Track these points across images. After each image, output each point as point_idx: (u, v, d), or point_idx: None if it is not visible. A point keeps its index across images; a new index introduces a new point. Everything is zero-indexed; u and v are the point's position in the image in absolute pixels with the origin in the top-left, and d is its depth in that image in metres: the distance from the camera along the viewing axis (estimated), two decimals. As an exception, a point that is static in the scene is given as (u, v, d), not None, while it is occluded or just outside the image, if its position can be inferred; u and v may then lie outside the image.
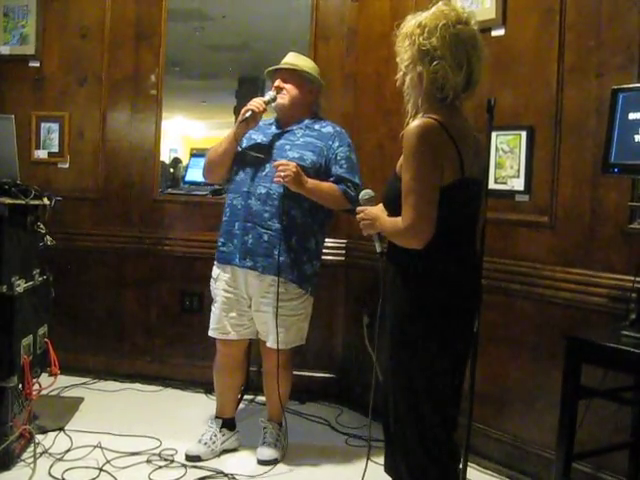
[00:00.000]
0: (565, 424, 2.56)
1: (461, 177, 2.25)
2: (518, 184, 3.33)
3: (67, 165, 4.70)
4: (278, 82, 3.42)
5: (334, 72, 4.37)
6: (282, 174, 3.14)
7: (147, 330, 4.62)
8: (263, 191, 3.30)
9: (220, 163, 3.44)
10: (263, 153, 3.35)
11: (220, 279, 3.45)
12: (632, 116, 2.58)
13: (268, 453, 3.43)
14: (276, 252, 3.26)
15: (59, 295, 3.75)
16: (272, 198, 3.29)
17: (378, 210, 2.43)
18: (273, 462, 3.41)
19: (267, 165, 3.31)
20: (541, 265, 3.24)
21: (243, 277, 3.36)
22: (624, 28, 2.92)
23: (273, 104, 3.41)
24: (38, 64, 4.68)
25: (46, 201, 3.47)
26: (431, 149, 2.18)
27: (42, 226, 3.48)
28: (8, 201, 3.07)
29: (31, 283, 3.31)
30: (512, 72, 3.37)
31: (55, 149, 4.69)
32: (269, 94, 3.40)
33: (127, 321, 4.65)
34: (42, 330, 3.47)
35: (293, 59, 3.48)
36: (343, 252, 4.33)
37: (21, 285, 3.16)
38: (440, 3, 2.30)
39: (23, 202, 3.19)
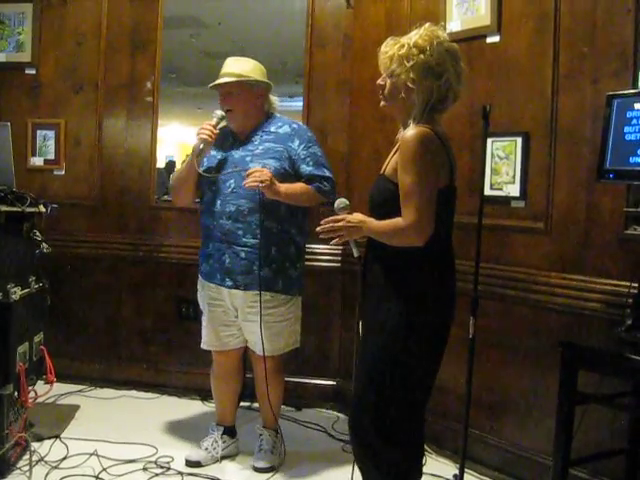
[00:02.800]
0: (562, 430, 2.57)
1: (450, 183, 2.41)
2: (514, 190, 3.34)
3: (63, 172, 4.70)
4: (223, 100, 3.33)
5: (330, 78, 4.39)
6: (258, 178, 3.05)
7: (143, 337, 4.61)
8: (233, 209, 3.25)
9: (184, 189, 3.41)
10: (225, 169, 3.30)
11: (205, 292, 3.44)
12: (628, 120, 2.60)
13: (264, 461, 3.42)
14: (255, 268, 3.23)
15: (55, 302, 3.74)
16: (243, 214, 3.24)
17: (361, 215, 2.48)
18: (270, 470, 3.39)
19: (232, 182, 3.26)
20: (537, 271, 3.25)
21: (227, 291, 3.33)
22: (618, 34, 2.94)
23: (224, 122, 3.34)
24: (34, 71, 4.68)
25: (42, 208, 3.47)
26: (430, 155, 2.32)
27: (38, 233, 3.48)
28: (4, 208, 3.07)
29: (27, 290, 3.31)
30: (507, 79, 3.38)
31: (51, 156, 4.68)
32: (216, 114, 3.31)
33: (123, 328, 4.64)
34: (38, 337, 3.46)
35: (231, 67, 3.34)
36: (339, 259, 4.32)
37: (17, 292, 3.15)
38: (427, 24, 2.43)
39: (19, 209, 3.19)
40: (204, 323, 3.50)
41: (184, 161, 3.53)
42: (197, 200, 3.49)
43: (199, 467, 3.39)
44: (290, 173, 3.29)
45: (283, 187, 3.16)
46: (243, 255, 3.25)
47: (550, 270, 3.19)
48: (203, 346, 3.52)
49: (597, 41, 3.02)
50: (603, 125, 2.70)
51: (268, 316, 3.29)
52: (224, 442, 3.52)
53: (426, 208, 2.28)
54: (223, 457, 3.51)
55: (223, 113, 3.32)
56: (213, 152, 3.38)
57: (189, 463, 3.41)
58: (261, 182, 3.05)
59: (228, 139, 3.41)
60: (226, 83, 3.29)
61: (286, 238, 3.32)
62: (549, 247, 3.21)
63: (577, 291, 3.06)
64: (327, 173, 3.33)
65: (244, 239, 3.24)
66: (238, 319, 3.39)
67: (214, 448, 3.49)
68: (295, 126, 3.41)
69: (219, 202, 3.28)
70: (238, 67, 3.33)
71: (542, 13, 3.23)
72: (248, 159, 3.29)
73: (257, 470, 3.39)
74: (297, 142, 3.33)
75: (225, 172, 3.29)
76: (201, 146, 3.25)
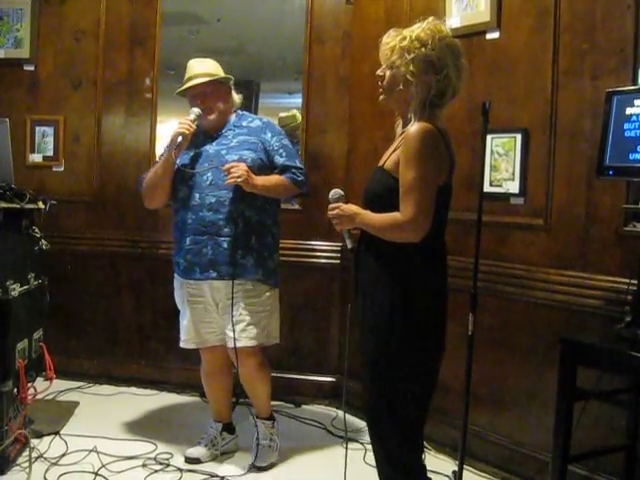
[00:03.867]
0: (561, 426, 2.57)
1: (449, 180, 2.42)
2: (513, 187, 3.34)
3: (62, 169, 4.70)
4: (198, 100, 3.37)
5: (329, 75, 4.39)
6: (235, 175, 3.12)
7: (142, 334, 4.62)
8: (213, 200, 3.27)
9: (161, 188, 3.39)
10: (201, 164, 3.34)
11: (184, 290, 3.43)
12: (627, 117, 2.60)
13: (263, 459, 3.40)
14: (238, 257, 3.26)
15: (54, 299, 3.74)
16: (224, 205, 3.26)
17: (355, 206, 2.49)
18: (270, 467, 3.40)
19: (209, 175, 3.29)
20: (536, 268, 3.25)
21: (208, 285, 3.33)
22: (618, 30, 2.93)
23: (199, 120, 3.36)
24: (33, 68, 4.68)
25: (41, 205, 3.47)
26: (433, 151, 2.32)
27: (37, 230, 3.48)
28: (3, 205, 3.07)
29: (26, 287, 3.31)
30: (507, 75, 3.38)
31: (50, 153, 4.69)
32: (194, 111, 3.35)
33: (122, 325, 4.65)
34: (37, 334, 3.47)
35: (202, 68, 3.41)
36: (338, 255, 4.32)
37: (16, 289, 3.15)
38: (430, 18, 2.42)
39: (18, 206, 3.19)
40: (183, 322, 3.47)
41: (155, 162, 3.57)
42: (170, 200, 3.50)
43: (198, 464, 3.40)
44: (266, 164, 3.36)
45: (260, 180, 3.23)
46: (225, 245, 3.26)
47: (549, 267, 3.20)
48: (182, 344, 3.49)
49: (597, 37, 3.01)
50: (603, 122, 2.69)
51: (250, 306, 3.30)
52: (223, 439, 3.54)
53: (426, 205, 2.28)
54: (222, 453, 3.52)
55: (200, 111, 3.36)
56: (186, 149, 3.38)
57: (188, 460, 3.42)
58: (238, 177, 3.11)
59: (199, 137, 3.41)
60: (201, 83, 3.36)
61: (264, 228, 3.37)
62: (548, 244, 3.21)
63: (576, 288, 3.06)
64: (299, 164, 3.42)
65: (226, 229, 3.26)
66: (218, 315, 3.37)
67: (213, 445, 3.50)
68: (265, 120, 3.53)
69: (197, 195, 3.30)
70: (206, 67, 3.41)
71: (542, 9, 3.23)
72: (224, 152, 3.33)
73: (257, 469, 3.38)
74: (269, 134, 3.42)
75: (203, 168, 3.31)
76: (179, 139, 3.27)
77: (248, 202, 3.27)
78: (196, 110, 3.35)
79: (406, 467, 2.45)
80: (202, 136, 3.43)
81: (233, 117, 3.48)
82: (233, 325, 3.26)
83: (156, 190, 3.42)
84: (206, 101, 3.38)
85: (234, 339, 3.27)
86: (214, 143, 3.40)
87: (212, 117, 3.40)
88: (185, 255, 3.35)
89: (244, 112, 3.56)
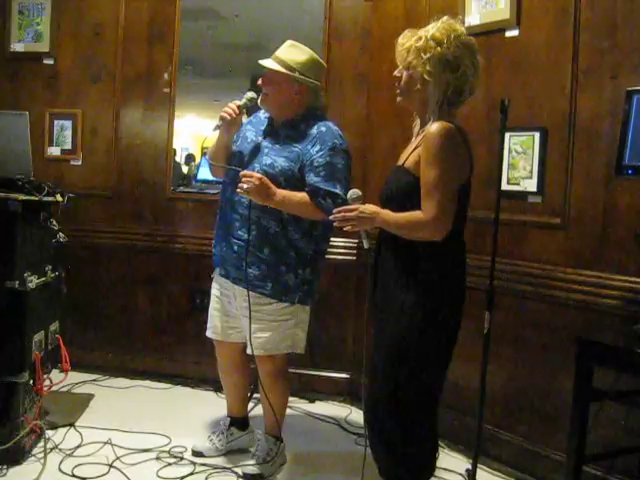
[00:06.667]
0: (576, 427, 2.55)
1: (469, 178, 2.44)
2: (531, 185, 3.33)
3: (80, 162, 4.72)
4: (260, 82, 3.16)
5: (348, 72, 4.38)
6: (244, 186, 2.92)
7: (157, 327, 4.63)
8: (235, 198, 3.11)
9: (218, 160, 3.29)
10: (247, 155, 3.20)
11: (216, 279, 3.38)
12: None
13: (252, 468, 3.25)
14: (244, 264, 3.09)
15: (70, 291, 3.75)
16: (242, 206, 3.10)
17: (375, 206, 2.48)
18: (258, 477, 3.22)
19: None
20: (553, 267, 3.23)
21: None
22: (639, 29, 2.91)
23: (255, 102, 3.20)
24: (52, 61, 4.70)
25: (59, 198, 3.48)
26: (454, 150, 2.34)
27: (55, 222, 3.49)
28: (22, 197, 3.08)
29: (43, 279, 3.32)
30: (526, 73, 3.37)
31: (68, 146, 4.71)
32: (246, 95, 3.19)
33: (138, 318, 4.67)
34: (53, 326, 3.48)
35: (285, 53, 3.14)
36: (354, 252, 4.32)
37: (33, 281, 3.17)
38: (445, 17, 2.44)
39: (36, 198, 3.21)
40: (210, 311, 3.41)
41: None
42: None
43: (201, 457, 3.39)
44: (297, 177, 3.08)
45: (279, 195, 2.98)
46: (235, 248, 3.14)
47: (566, 266, 3.18)
48: (207, 333, 3.42)
49: (617, 36, 2.99)
50: (622, 121, 2.67)
51: (257, 313, 3.12)
52: (231, 434, 3.49)
53: (448, 203, 2.30)
54: (233, 449, 3.47)
55: (254, 95, 3.21)
56: (248, 132, 3.27)
57: (194, 453, 3.42)
58: (246, 189, 2.92)
59: (267, 126, 3.26)
60: (270, 69, 3.12)
61: (284, 242, 3.11)
62: (566, 243, 3.20)
63: (593, 287, 3.04)
64: (336, 189, 3.02)
65: (239, 232, 3.13)
66: (239, 313, 3.27)
67: (219, 440, 3.46)
68: (323, 129, 3.11)
69: (229, 189, 3.19)
70: (290, 55, 3.13)
71: (562, 7, 3.21)
72: (266, 151, 3.15)
73: (244, 475, 3.24)
74: (317, 147, 3.07)
75: (226, 167, 3.21)
76: (219, 123, 3.16)
77: (268, 211, 3.05)
78: (249, 94, 3.20)
79: (406, 460, 2.45)
80: (269, 127, 3.24)
81: (299, 116, 3.17)
82: (250, 329, 3.11)
83: (216, 163, 3.31)
84: (267, 87, 3.14)
85: (250, 343, 3.16)
86: (267, 138, 3.20)
87: (265, 105, 3.19)
88: (216, 245, 3.29)
89: (319, 115, 3.21)
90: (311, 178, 3.05)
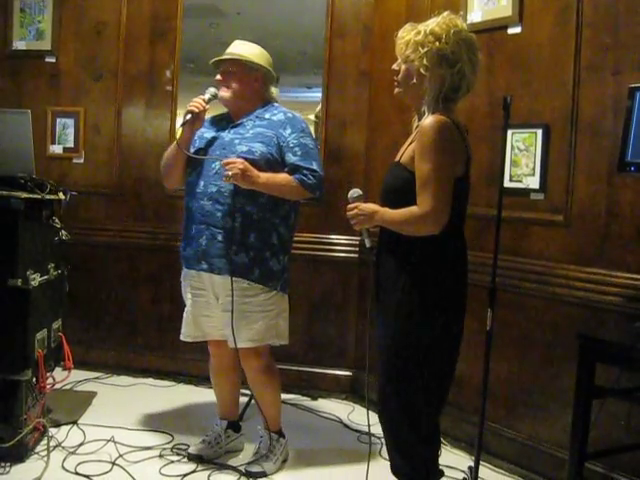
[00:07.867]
0: (578, 424, 2.55)
1: (466, 172, 2.43)
2: (533, 182, 3.32)
3: (82, 160, 4.72)
4: (218, 76, 3.26)
5: (349, 69, 4.38)
6: (229, 173, 2.98)
7: (160, 325, 4.63)
8: (214, 190, 3.14)
9: (174, 167, 3.30)
10: (213, 151, 3.23)
11: (187, 281, 3.35)
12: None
13: (257, 466, 3.26)
14: (231, 252, 3.11)
15: (73, 289, 3.77)
16: (224, 196, 3.12)
17: (374, 204, 2.49)
18: (261, 475, 3.23)
19: (216, 164, 3.15)
20: (555, 264, 3.23)
21: (208, 278, 3.23)
22: (642, 26, 2.91)
23: (217, 99, 3.27)
24: (54, 59, 4.71)
25: (61, 196, 3.49)
26: (449, 143, 2.33)
27: (57, 220, 3.50)
28: (24, 195, 3.08)
29: (46, 277, 3.33)
30: (528, 70, 3.36)
31: (70, 144, 4.72)
32: (209, 91, 3.25)
33: (140, 316, 4.67)
34: (56, 324, 3.49)
35: (235, 48, 3.28)
36: (356, 249, 4.32)
37: (36, 279, 3.17)
38: (446, 13, 2.44)
39: (39, 196, 3.21)
40: (184, 314, 3.40)
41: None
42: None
43: (201, 461, 3.32)
44: (277, 160, 3.19)
45: (263, 177, 3.07)
46: (220, 238, 3.13)
47: (569, 263, 3.18)
48: (181, 337, 3.43)
49: (619, 32, 2.99)
50: (625, 117, 2.66)
51: (244, 305, 3.15)
52: (228, 437, 3.47)
53: (443, 196, 2.30)
54: (227, 452, 3.45)
55: (217, 91, 3.27)
56: (205, 132, 3.31)
57: (191, 457, 3.35)
58: (231, 176, 2.98)
59: (222, 122, 3.34)
60: (226, 60, 3.25)
61: (268, 226, 3.18)
62: (568, 240, 3.19)
63: (596, 284, 3.04)
64: (314, 166, 3.19)
65: (222, 221, 3.13)
66: (219, 311, 3.25)
67: (217, 443, 3.43)
68: (290, 115, 3.30)
69: (202, 183, 3.19)
70: (242, 49, 3.28)
71: (564, 4, 3.20)
72: (237, 141, 3.20)
73: (248, 474, 3.24)
74: (289, 130, 3.22)
75: (205, 157, 3.21)
76: (187, 117, 3.19)
77: (250, 197, 3.11)
78: (212, 90, 3.26)
79: (415, 457, 2.46)
80: (225, 122, 3.33)
81: (259, 108, 3.31)
82: (232, 324, 3.13)
83: (170, 169, 3.33)
84: (226, 80, 3.25)
85: (234, 339, 3.15)
86: (232, 131, 3.26)
87: (224, 95, 3.25)
88: (191, 243, 3.25)
89: (276, 104, 3.36)
90: (289, 157, 3.19)
